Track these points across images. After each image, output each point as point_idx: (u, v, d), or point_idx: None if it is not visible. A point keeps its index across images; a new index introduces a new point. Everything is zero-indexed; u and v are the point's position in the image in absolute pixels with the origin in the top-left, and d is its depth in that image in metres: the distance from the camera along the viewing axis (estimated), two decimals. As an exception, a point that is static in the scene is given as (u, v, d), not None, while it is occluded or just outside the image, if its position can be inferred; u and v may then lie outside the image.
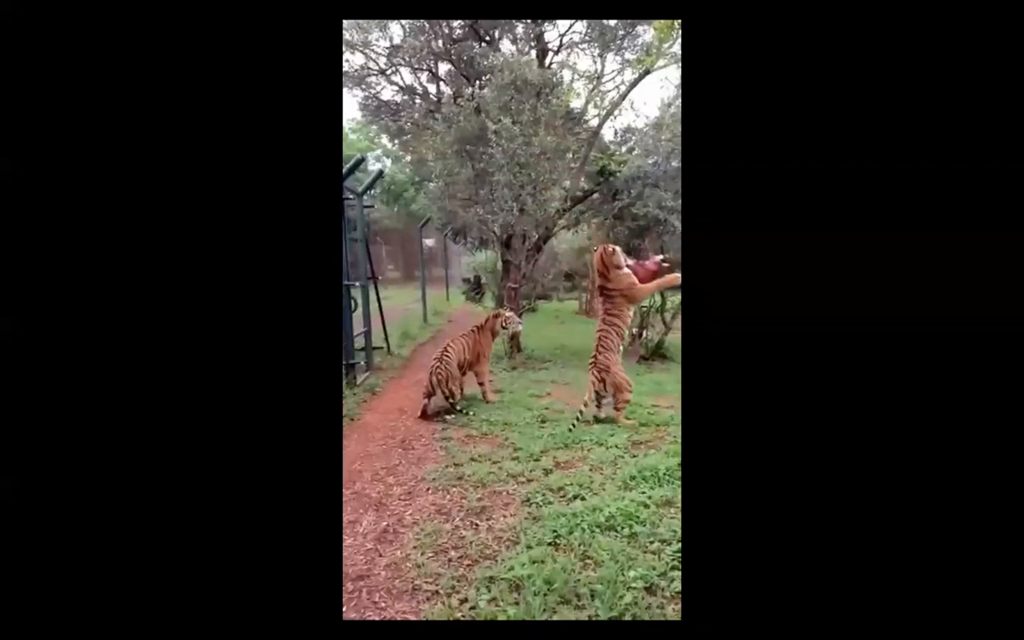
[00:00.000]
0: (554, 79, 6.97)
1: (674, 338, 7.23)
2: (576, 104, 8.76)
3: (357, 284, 5.86)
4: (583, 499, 2.83)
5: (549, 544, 2.39)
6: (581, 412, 4.16)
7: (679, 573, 2.13)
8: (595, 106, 8.82)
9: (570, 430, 3.95)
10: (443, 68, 10.25)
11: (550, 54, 8.64)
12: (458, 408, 4.65)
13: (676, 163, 7.01)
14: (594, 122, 8.63)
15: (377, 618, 1.98)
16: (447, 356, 4.78)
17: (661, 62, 7.91)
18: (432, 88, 10.58)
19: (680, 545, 2.32)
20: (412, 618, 1.96)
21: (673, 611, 1.93)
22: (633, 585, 2.05)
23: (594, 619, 1.88)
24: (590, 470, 3.25)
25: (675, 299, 7.42)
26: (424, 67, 9.87)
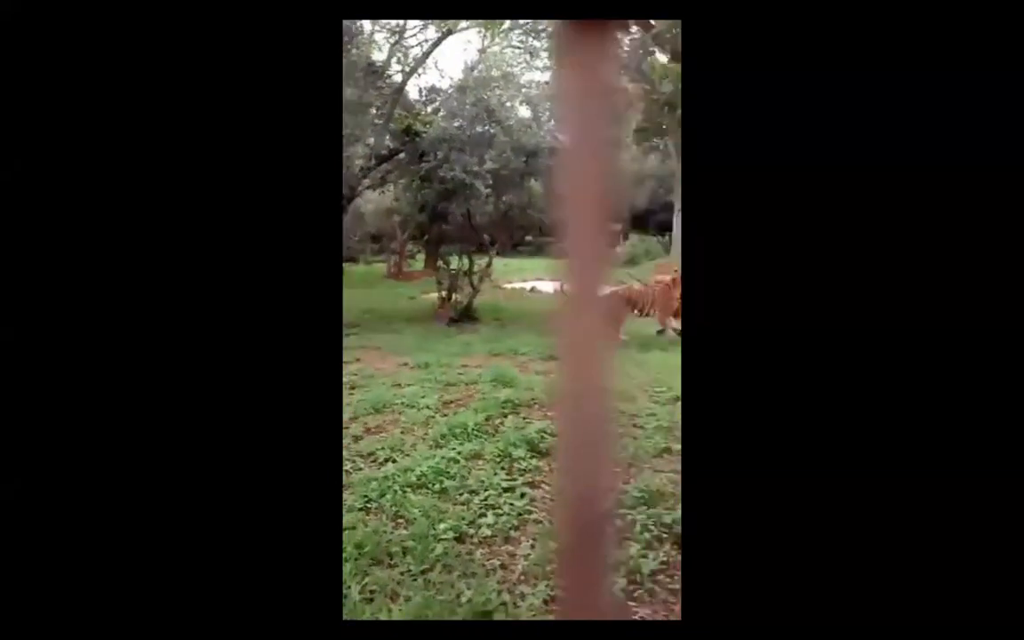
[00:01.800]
0: (353, 28, 6.58)
1: (482, 300, 7.52)
2: (378, 57, 8.40)
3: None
4: (394, 462, 2.83)
5: (360, 510, 2.36)
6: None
7: (487, 519, 2.27)
8: (399, 62, 8.56)
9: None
10: None
11: (349, 0, 8.10)
12: None
13: (480, 128, 7.17)
14: (398, 78, 8.38)
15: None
16: None
17: (464, 25, 7.95)
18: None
19: (488, 493, 2.47)
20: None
21: (481, 555, 2.06)
22: (443, 537, 2.13)
23: (408, 572, 1.92)
24: (401, 433, 3.26)
25: (481, 262, 7.69)
26: None
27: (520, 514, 2.33)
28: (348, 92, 6.08)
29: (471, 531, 2.20)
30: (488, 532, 2.19)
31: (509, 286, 12.42)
